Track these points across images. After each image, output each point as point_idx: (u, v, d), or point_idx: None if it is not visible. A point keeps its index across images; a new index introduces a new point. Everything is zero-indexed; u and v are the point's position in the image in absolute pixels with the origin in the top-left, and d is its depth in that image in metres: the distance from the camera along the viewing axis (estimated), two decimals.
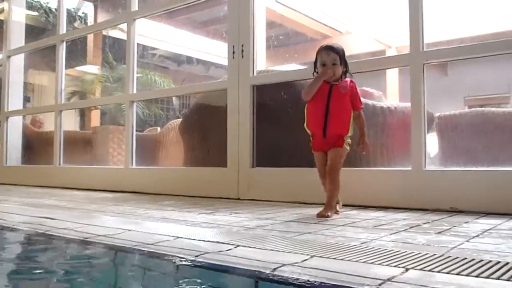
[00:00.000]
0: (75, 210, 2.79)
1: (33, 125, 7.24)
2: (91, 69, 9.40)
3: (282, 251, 1.47)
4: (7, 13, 5.99)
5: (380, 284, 1.07)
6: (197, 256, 1.40)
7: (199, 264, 1.32)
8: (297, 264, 1.27)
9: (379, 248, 1.52)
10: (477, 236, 1.79)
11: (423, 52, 2.79)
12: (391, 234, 1.83)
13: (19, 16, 6.13)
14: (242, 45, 3.56)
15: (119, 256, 1.54)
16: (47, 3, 9.05)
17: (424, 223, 2.14)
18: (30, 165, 5.74)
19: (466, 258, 1.35)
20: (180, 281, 1.27)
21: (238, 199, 3.49)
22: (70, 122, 9.01)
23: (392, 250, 1.49)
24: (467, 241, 1.68)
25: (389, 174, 2.91)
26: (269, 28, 8.50)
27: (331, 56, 2.42)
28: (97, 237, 1.73)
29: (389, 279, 1.11)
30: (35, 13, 8.92)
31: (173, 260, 1.37)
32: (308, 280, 1.11)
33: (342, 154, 2.46)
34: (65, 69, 8.14)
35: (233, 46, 3.61)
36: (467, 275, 1.15)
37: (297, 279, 1.13)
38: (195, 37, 9.79)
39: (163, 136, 5.87)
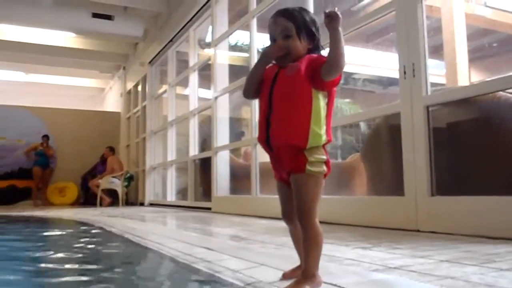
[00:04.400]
0: (242, 241, 2.92)
1: (245, 158, 7.93)
2: None
3: None
4: (213, 58, 6.77)
5: None
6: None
7: None
8: None
9: None
10: None
11: None
12: None
13: (223, 59, 6.87)
14: (413, 64, 3.30)
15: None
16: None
17: None
18: (234, 195, 6.28)
19: None
20: None
21: (418, 231, 3.19)
22: None
23: None
24: None
25: None
26: (479, 36, 7.74)
27: (281, 25, 1.58)
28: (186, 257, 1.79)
29: None
30: (246, 55, 9.84)
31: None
32: None
33: (308, 187, 1.50)
34: None
35: (404, 66, 3.38)
36: None
37: None
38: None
39: (356, 163, 5.76)
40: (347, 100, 10.43)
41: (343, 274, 1.71)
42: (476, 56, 7.74)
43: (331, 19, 1.49)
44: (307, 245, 1.51)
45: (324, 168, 1.54)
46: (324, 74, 1.50)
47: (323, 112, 1.55)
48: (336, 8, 1.51)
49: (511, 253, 2.10)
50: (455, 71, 5.25)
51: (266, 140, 1.57)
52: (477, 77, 7.71)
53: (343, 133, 8.73)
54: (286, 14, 1.59)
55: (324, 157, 1.55)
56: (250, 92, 1.65)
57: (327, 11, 1.50)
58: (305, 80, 1.52)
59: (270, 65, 1.64)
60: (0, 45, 10.77)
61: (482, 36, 7.70)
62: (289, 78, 1.55)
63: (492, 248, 2.28)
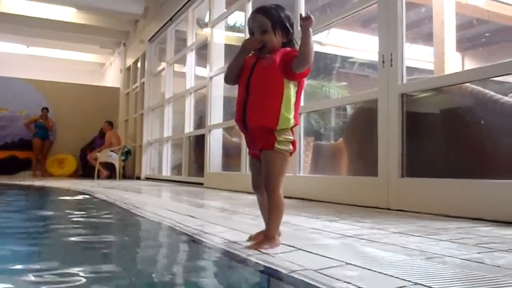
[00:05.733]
0: (225, 212, 3.20)
1: (238, 136, 8.19)
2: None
3: (325, 258, 1.56)
4: (210, 39, 6.97)
5: None
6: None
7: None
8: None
9: (439, 266, 1.47)
10: None
11: None
12: (480, 253, 1.70)
13: (219, 39, 7.07)
14: (391, 54, 3.53)
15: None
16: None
17: None
18: (225, 172, 6.56)
19: None
20: None
21: (389, 209, 3.47)
22: None
23: (450, 269, 1.43)
24: None
25: None
26: (471, 26, 7.92)
27: (258, 21, 1.81)
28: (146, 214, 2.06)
29: None
30: (242, 35, 10.00)
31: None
32: None
33: (275, 162, 1.77)
34: None
35: (383, 56, 3.61)
36: None
37: None
38: None
39: (342, 146, 6.03)
40: (344, 83, 10.60)
41: (299, 239, 1.99)
42: (470, 45, 7.93)
43: (305, 20, 1.74)
44: (271, 212, 1.80)
45: (291, 147, 1.80)
46: (295, 67, 1.76)
47: (292, 99, 1.80)
48: (309, 12, 1.77)
49: (458, 229, 2.37)
50: (443, 61, 5.48)
51: (242, 121, 1.81)
52: (471, 65, 7.90)
53: (336, 116, 8.96)
54: (263, 11, 1.83)
55: (291, 137, 1.80)
56: (230, 79, 1.89)
57: (302, 15, 1.76)
58: (279, 71, 1.76)
59: (250, 54, 1.89)
60: (2, 17, 10.92)
61: (475, 25, 7.89)
62: (265, 69, 1.78)
63: (445, 224, 2.55)
